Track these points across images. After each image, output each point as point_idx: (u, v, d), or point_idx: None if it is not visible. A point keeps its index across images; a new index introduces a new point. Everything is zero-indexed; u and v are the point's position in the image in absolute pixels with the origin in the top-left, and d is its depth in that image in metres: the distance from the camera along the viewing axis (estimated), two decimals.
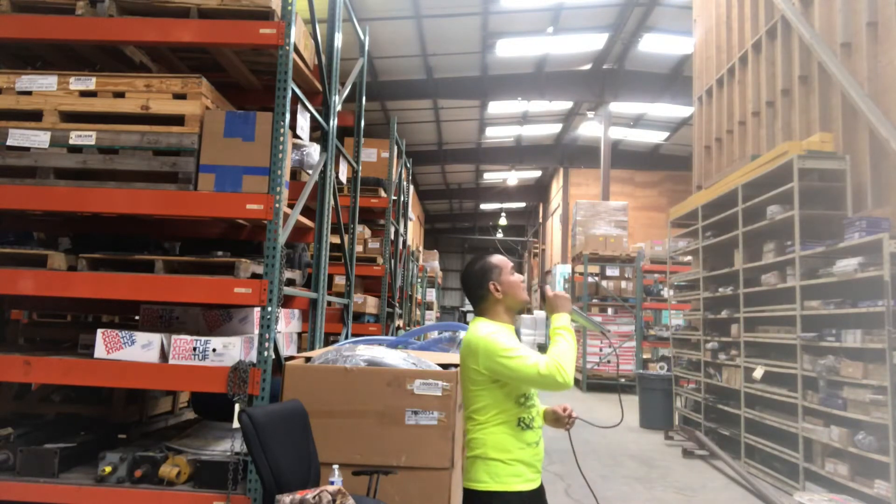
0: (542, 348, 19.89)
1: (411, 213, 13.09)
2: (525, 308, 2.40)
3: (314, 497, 2.42)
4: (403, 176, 9.32)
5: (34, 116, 3.58)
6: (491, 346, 2.18)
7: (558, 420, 2.39)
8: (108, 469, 3.37)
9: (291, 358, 3.71)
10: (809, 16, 6.65)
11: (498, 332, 2.24)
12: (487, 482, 2.19)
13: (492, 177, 25.74)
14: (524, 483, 2.20)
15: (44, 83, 3.61)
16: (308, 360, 3.65)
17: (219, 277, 3.41)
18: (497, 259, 2.40)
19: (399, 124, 11.10)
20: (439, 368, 3.43)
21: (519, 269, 2.43)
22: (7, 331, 4.71)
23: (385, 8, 12.18)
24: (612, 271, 14.08)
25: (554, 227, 24.18)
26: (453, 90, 15.96)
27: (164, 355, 3.43)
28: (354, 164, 5.73)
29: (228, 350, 3.39)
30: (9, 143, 3.52)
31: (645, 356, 13.68)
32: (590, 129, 19.47)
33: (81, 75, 3.63)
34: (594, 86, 16.26)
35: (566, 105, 18.29)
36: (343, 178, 5.32)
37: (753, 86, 7.82)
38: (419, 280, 16.40)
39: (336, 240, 5.53)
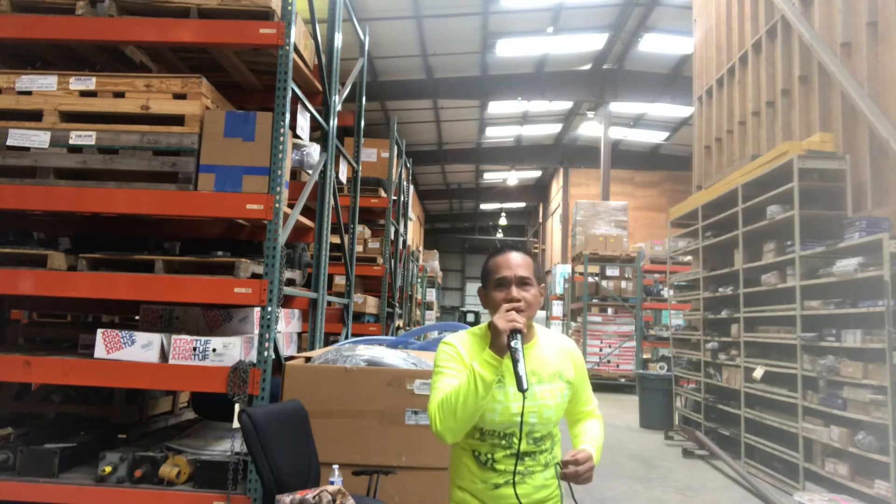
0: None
1: (411, 213, 13.09)
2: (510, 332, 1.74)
3: (314, 497, 2.42)
4: (403, 176, 9.32)
5: (34, 116, 3.58)
6: (434, 360, 1.89)
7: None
8: (108, 469, 3.37)
9: (291, 358, 3.71)
10: (809, 16, 6.65)
11: (451, 346, 1.88)
12: None
13: (492, 177, 25.74)
14: None
15: (44, 83, 3.60)
16: (308, 360, 3.65)
17: (219, 277, 3.41)
18: (493, 262, 1.92)
19: (399, 124, 11.10)
20: None
21: (519, 282, 1.86)
22: (7, 331, 4.71)
23: (385, 8, 12.18)
24: (612, 271, 14.09)
25: (554, 227, 24.18)
26: (453, 90, 15.97)
27: (164, 355, 3.43)
28: (354, 164, 5.73)
29: (228, 350, 3.39)
30: (9, 143, 3.52)
31: (645, 356, 13.69)
32: (590, 129, 19.48)
33: (81, 75, 3.63)
34: (594, 86, 16.27)
35: (566, 105, 18.30)
36: (343, 178, 5.32)
37: (753, 86, 7.81)
38: (419, 280, 16.40)
39: (336, 240, 5.53)
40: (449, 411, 1.71)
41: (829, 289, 5.48)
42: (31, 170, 3.52)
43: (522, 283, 1.85)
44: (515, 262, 1.88)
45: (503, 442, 1.83)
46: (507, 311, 1.76)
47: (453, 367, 1.83)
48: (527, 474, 1.84)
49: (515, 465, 1.82)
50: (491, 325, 1.77)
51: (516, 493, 1.82)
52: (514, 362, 1.71)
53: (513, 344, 1.71)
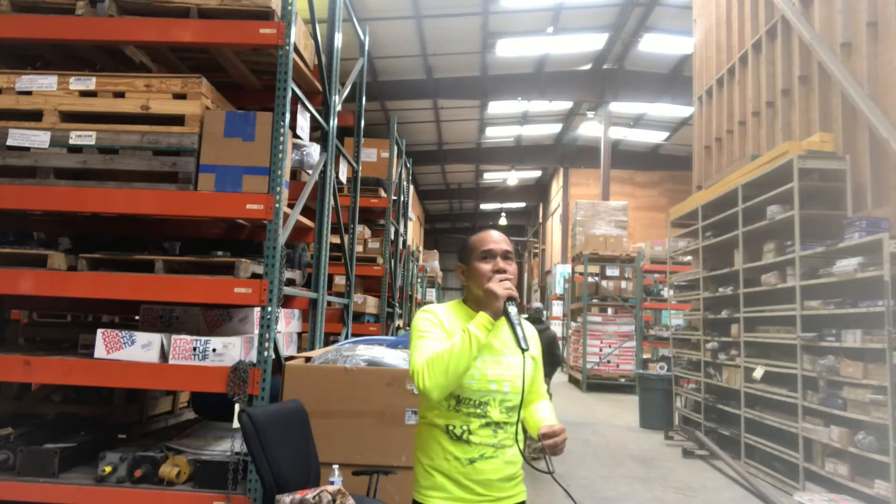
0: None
1: (411, 213, 13.09)
2: (497, 304, 1.84)
3: (314, 497, 2.42)
4: (403, 176, 9.32)
5: (34, 116, 3.58)
6: (414, 325, 1.94)
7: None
8: (108, 469, 3.37)
9: (291, 358, 3.71)
10: (809, 16, 6.65)
11: (432, 313, 1.95)
12: (415, 489, 1.93)
13: (492, 177, 25.75)
14: (447, 501, 1.86)
15: (44, 83, 3.60)
16: (308, 360, 3.65)
17: (219, 277, 3.41)
18: (475, 238, 2.02)
19: (399, 124, 11.11)
20: None
21: (504, 256, 1.86)
22: (7, 331, 4.71)
23: (385, 8, 12.19)
24: (612, 271, 14.09)
25: (554, 227, 24.19)
26: (453, 90, 15.98)
27: (164, 355, 3.43)
28: (354, 164, 5.73)
29: (228, 350, 3.39)
30: (9, 143, 3.52)
31: (645, 356, 13.69)
32: (590, 129, 19.48)
33: (81, 75, 3.63)
34: (594, 86, 16.27)
35: (566, 105, 18.30)
36: (343, 178, 5.32)
37: (753, 86, 7.82)
38: (419, 280, 16.41)
39: (336, 240, 5.53)
40: (440, 369, 1.77)
41: (829, 289, 5.48)
42: (31, 170, 3.52)
43: (506, 256, 1.98)
44: (499, 238, 2.01)
45: (478, 410, 1.88)
46: (501, 280, 1.88)
47: (436, 331, 1.91)
48: (499, 447, 1.89)
49: (518, 419, 1.92)
50: (487, 291, 1.86)
51: (520, 449, 1.92)
52: (512, 325, 1.85)
53: (509, 309, 1.85)
